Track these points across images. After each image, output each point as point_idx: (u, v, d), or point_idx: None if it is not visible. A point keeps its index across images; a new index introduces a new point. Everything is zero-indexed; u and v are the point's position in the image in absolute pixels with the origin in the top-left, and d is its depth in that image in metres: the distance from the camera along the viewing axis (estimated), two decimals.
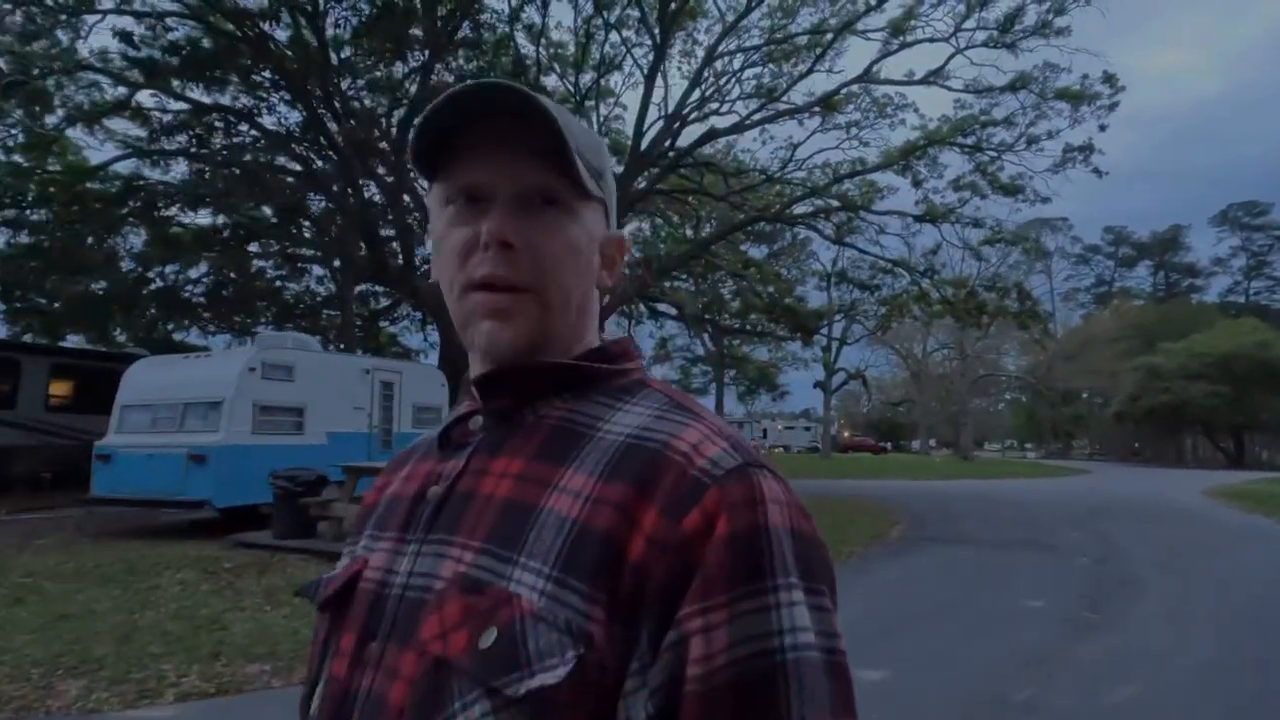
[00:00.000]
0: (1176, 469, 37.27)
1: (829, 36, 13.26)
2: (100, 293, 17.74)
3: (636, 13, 14.22)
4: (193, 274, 20.22)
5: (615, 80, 17.13)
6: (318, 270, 21.73)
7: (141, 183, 15.47)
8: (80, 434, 11.62)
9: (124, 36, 12.76)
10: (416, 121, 0.53)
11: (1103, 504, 14.57)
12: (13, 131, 14.15)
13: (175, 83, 14.65)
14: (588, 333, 0.60)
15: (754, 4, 14.17)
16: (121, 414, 8.34)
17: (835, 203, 15.71)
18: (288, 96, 15.14)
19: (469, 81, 0.53)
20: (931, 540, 9.20)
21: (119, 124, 15.63)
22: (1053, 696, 3.74)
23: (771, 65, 15.53)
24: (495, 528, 0.49)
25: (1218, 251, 65.84)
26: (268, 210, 18.14)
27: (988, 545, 8.89)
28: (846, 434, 60.06)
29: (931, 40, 12.82)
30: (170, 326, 20.07)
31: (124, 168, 15.70)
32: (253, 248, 19.55)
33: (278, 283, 21.19)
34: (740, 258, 17.21)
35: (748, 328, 18.02)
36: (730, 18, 14.56)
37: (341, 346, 17.98)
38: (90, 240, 15.85)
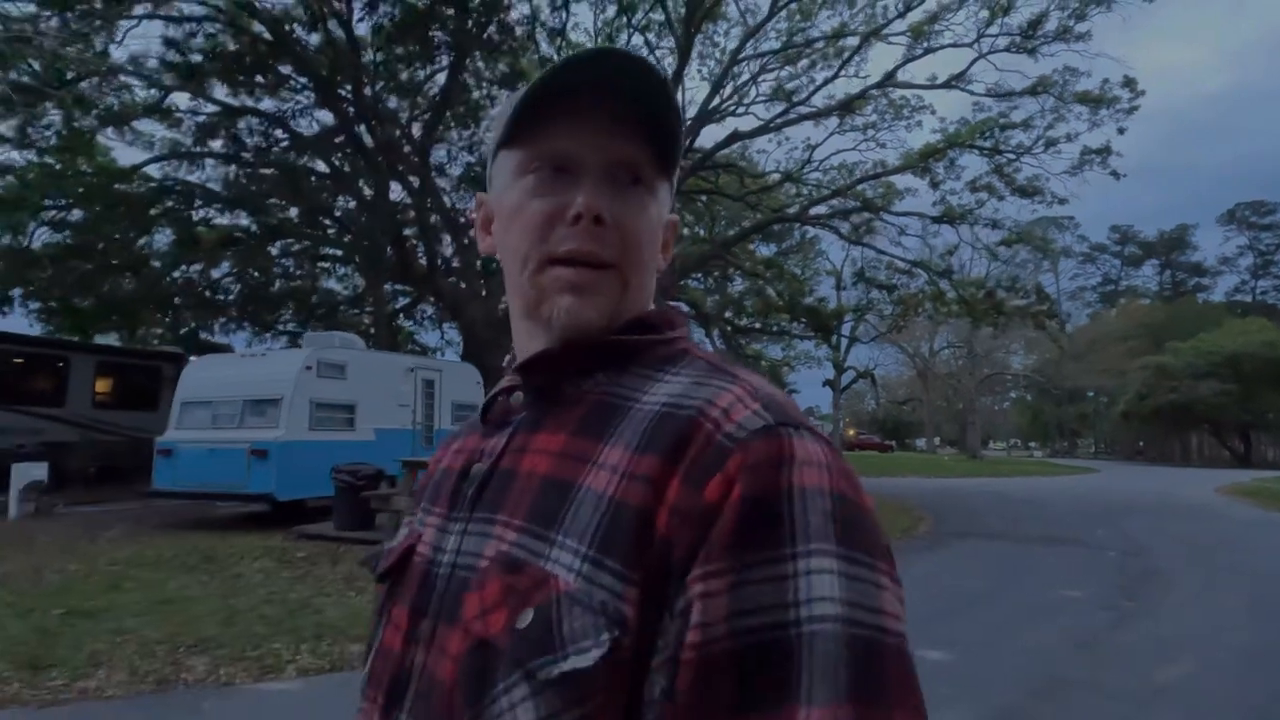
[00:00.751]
0: (1183, 468, 37.47)
1: (854, 41, 13.50)
2: (129, 292, 18.10)
3: (660, 16, 14.47)
4: (214, 274, 20.59)
5: None
6: (336, 269, 22.08)
7: (174, 184, 15.78)
8: (123, 430, 11.96)
9: (168, 42, 13.05)
10: (533, 84, 0.52)
11: (1118, 501, 14.82)
12: (46, 133, 14.49)
13: (210, 86, 14.96)
14: (642, 306, 0.58)
15: (778, 7, 14.42)
16: (181, 410, 8.64)
17: (855, 203, 15.95)
18: (317, 99, 15.45)
19: (588, 47, 0.57)
20: (960, 535, 9.48)
21: (146, 125, 15.99)
22: (1108, 676, 4.02)
23: (791, 68, 15.79)
24: (535, 506, 0.49)
25: (1224, 250, 65.89)
26: (293, 211, 18.46)
27: (1015, 539, 9.16)
28: (851, 432, 60.37)
29: (955, 45, 13.06)
30: (196, 325, 20.39)
31: (154, 169, 16.06)
32: (272, 249, 19.86)
33: (298, 282, 21.51)
34: (759, 259, 17.49)
35: (770, 327, 18.26)
36: (752, 21, 14.81)
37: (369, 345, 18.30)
38: (122, 239, 16.19)
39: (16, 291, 16.26)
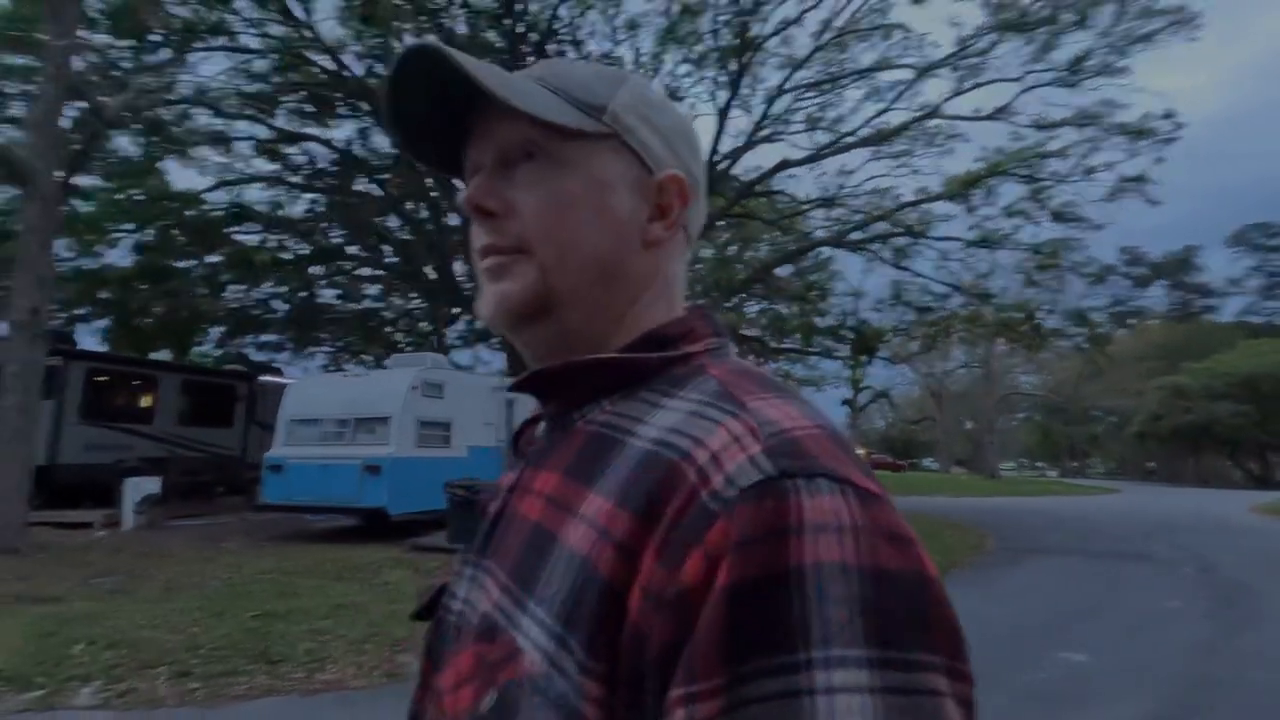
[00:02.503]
0: (1199, 489, 37.65)
1: (907, 74, 14.08)
2: (185, 311, 18.63)
3: (711, 42, 15.04)
4: (257, 295, 21.15)
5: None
6: (375, 289, 22.60)
7: (240, 209, 16.36)
8: (204, 446, 12.36)
9: (246, 73, 13.67)
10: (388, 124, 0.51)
11: (1160, 519, 15.11)
12: (112, 160, 15.08)
13: (273, 114, 15.58)
14: (643, 302, 0.51)
15: (820, 44, 15.04)
16: (288, 428, 9.04)
17: (895, 228, 16.44)
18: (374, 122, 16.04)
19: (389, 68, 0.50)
20: (1030, 551, 9.79)
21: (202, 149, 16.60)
22: (1254, 675, 4.36)
23: (836, 95, 16.40)
24: (519, 560, 0.44)
25: (1232, 272, 66.42)
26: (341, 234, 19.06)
27: (1086, 555, 9.48)
28: (862, 452, 60.54)
29: (1002, 80, 13.62)
30: (247, 342, 20.90)
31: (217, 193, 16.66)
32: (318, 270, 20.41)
33: (344, 303, 22.05)
34: (805, 282, 17.98)
35: (811, 348, 18.70)
36: (799, 55, 15.42)
37: None
38: (188, 263, 16.76)
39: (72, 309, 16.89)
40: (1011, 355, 41.25)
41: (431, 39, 0.51)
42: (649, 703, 0.34)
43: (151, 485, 9.07)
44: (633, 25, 15.89)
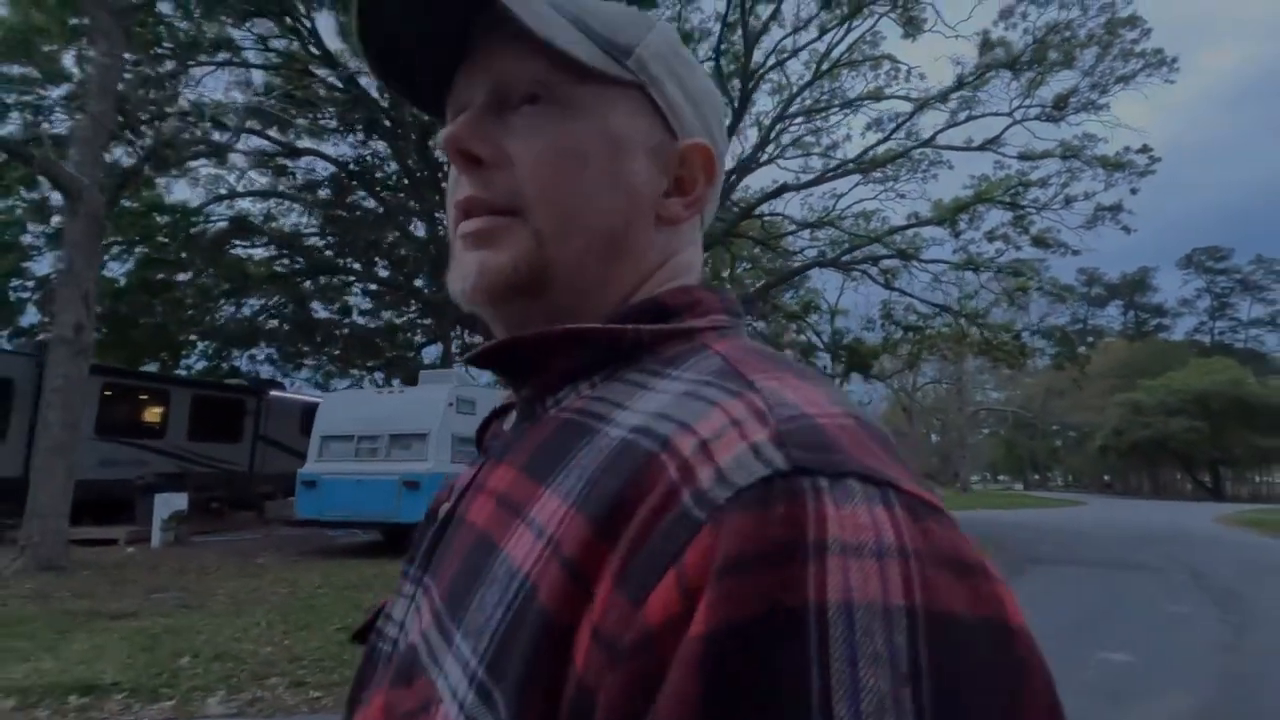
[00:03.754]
0: (1156, 501, 39.39)
1: (905, 106, 14.80)
2: (177, 324, 18.39)
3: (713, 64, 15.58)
4: (247, 309, 20.98)
5: None
6: (356, 302, 22.54)
7: (242, 221, 16.29)
8: (215, 461, 12.26)
9: (238, 85, 13.79)
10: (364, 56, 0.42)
11: (1139, 531, 15.91)
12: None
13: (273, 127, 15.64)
14: (650, 286, 0.42)
15: (821, 72, 15.71)
16: (322, 444, 9.11)
17: (886, 250, 17.13)
18: (371, 136, 16.18)
19: None
20: (1030, 561, 10.33)
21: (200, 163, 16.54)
22: (1272, 670, 4.84)
23: (834, 120, 17.13)
24: (454, 577, 0.35)
25: (1184, 293, 69.76)
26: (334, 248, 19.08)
27: (1083, 565, 10.04)
28: None
29: (995, 115, 14.44)
30: (234, 355, 20.64)
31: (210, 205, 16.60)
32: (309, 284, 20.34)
33: (340, 317, 21.92)
34: (802, 300, 18.58)
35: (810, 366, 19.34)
36: (796, 85, 16.08)
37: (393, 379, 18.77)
38: (185, 275, 16.58)
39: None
40: (981, 372, 42.67)
41: None
42: None
43: (179, 501, 9.03)
44: None
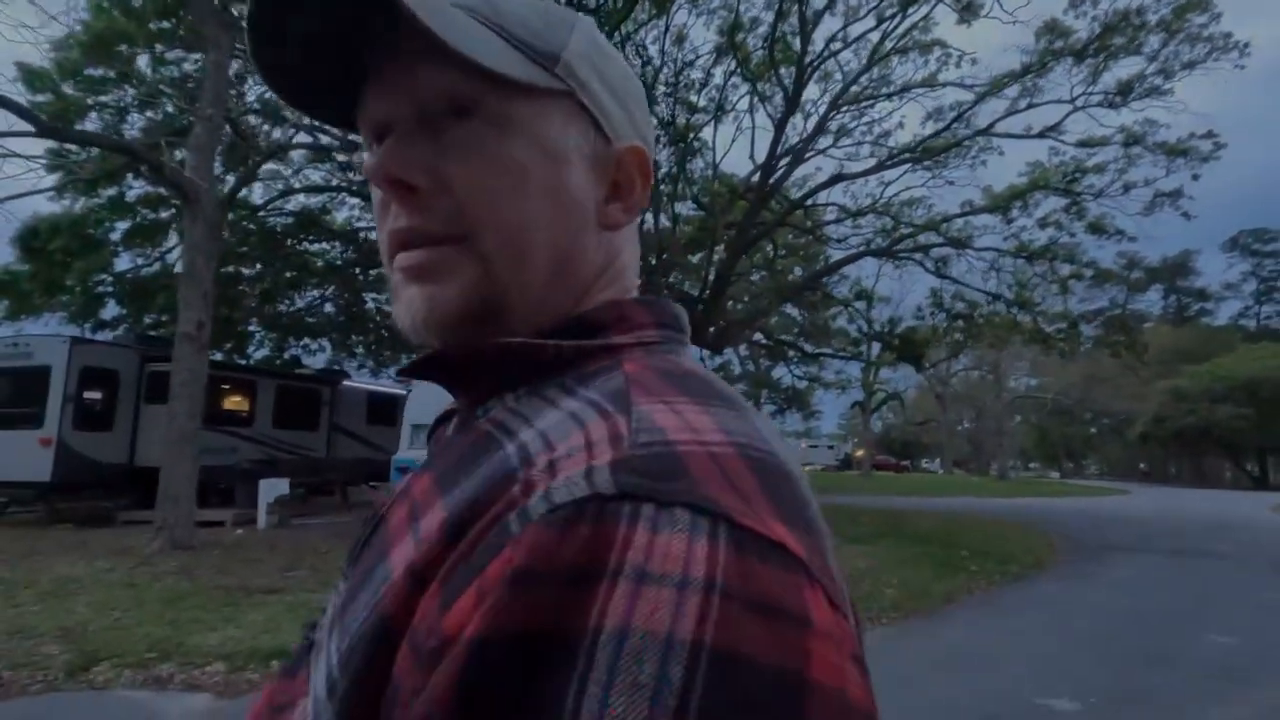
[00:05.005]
0: (1200, 489, 38.77)
1: (963, 95, 14.75)
2: (233, 315, 19.08)
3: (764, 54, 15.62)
4: (306, 299, 21.62)
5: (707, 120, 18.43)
6: None
7: (308, 216, 16.81)
8: (296, 448, 12.81)
9: None
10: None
11: (1201, 520, 15.85)
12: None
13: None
14: (591, 294, 0.42)
15: (876, 59, 15.68)
16: (412, 431, 9.55)
17: (940, 238, 17.10)
18: None
19: None
20: (1104, 549, 10.44)
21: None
22: None
23: (871, 108, 17.09)
24: (356, 580, 0.35)
25: (1228, 276, 67.94)
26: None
27: (1159, 553, 10.13)
28: (859, 453, 61.69)
29: (1057, 102, 14.33)
30: (295, 345, 21.34)
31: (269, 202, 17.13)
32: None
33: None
34: (855, 289, 18.67)
35: (859, 354, 19.42)
36: (848, 74, 16.07)
37: None
38: (251, 269, 17.21)
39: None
40: (1019, 359, 42.17)
41: None
42: None
43: (282, 486, 9.53)
44: (680, 39, 16.51)
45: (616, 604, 0.22)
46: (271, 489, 9.40)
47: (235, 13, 8.08)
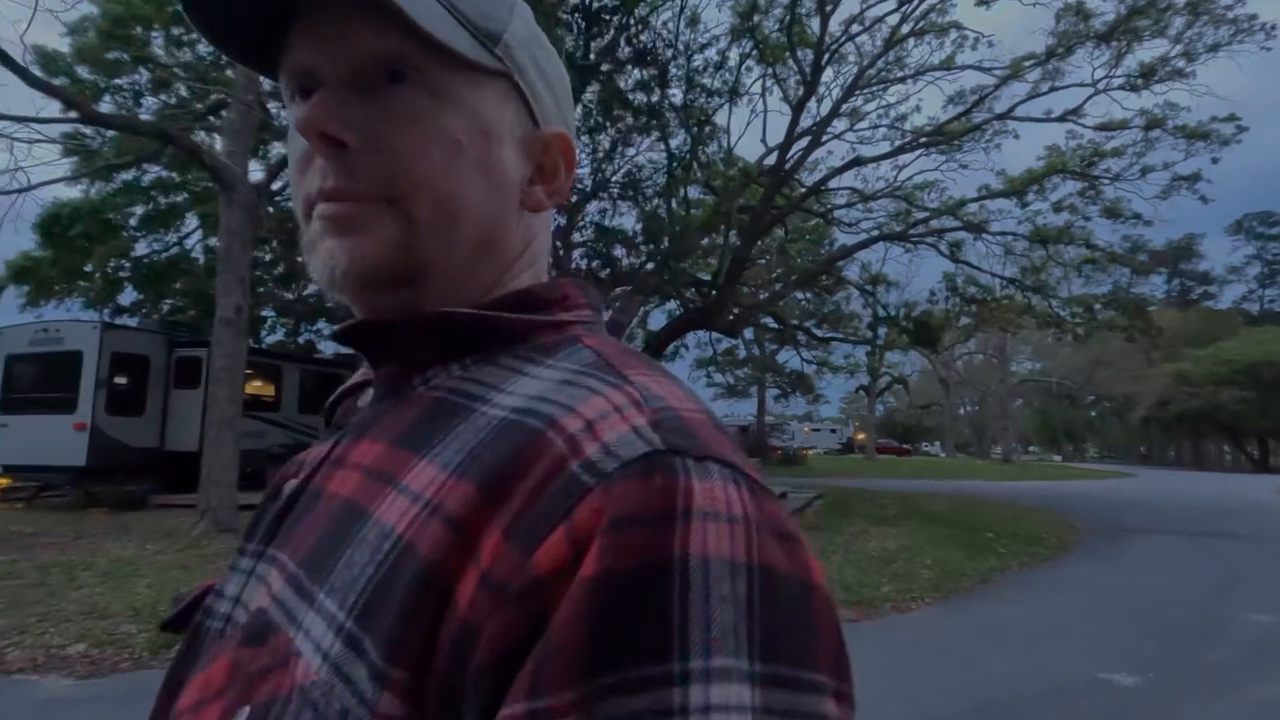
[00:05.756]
0: (1202, 472, 39.04)
1: (981, 78, 14.68)
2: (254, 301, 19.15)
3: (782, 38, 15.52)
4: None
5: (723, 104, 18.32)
6: None
7: None
8: (319, 432, 12.92)
9: None
10: None
11: (1210, 502, 16.02)
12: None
13: None
14: (513, 272, 0.44)
15: (893, 42, 15.59)
16: None
17: (955, 222, 17.10)
18: None
19: None
20: (1125, 531, 10.59)
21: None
22: None
23: (880, 92, 17.02)
24: (316, 543, 0.35)
25: (1232, 260, 67.81)
26: None
27: (1178, 535, 10.27)
28: (860, 436, 61.96)
29: (1079, 85, 14.27)
30: (309, 330, 21.42)
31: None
32: None
33: None
34: (869, 274, 18.69)
35: (875, 338, 19.48)
36: (865, 57, 15.98)
37: None
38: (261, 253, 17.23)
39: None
40: (1024, 343, 42.26)
41: None
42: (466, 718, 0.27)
43: None
44: (694, 20, 16.37)
45: (696, 537, 0.27)
46: None
47: None
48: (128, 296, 16.22)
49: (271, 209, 16.07)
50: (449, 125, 0.39)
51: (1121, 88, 14.07)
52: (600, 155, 16.52)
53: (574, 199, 18.32)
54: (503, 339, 0.40)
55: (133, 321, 13.91)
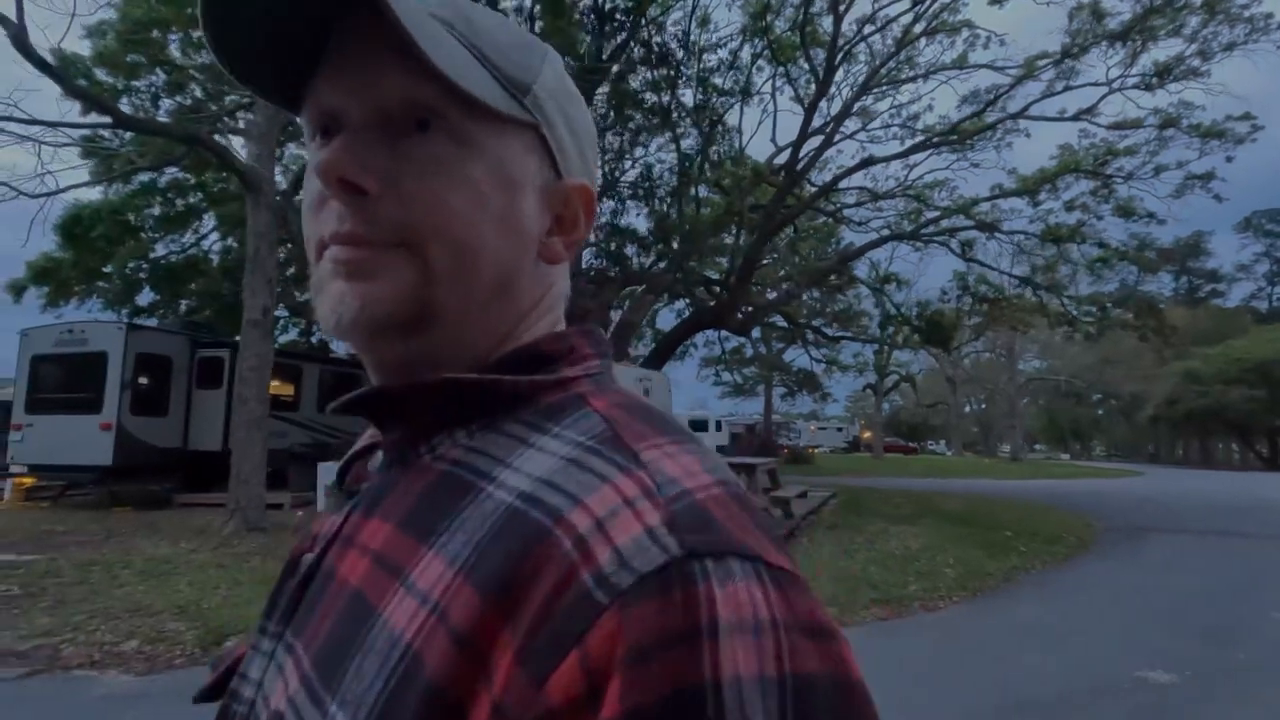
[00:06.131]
0: (1211, 471, 38.92)
1: (994, 77, 14.70)
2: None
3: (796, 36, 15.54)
4: None
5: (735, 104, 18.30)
6: None
7: None
8: (340, 432, 13.01)
9: None
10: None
11: (1225, 501, 16.02)
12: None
13: None
14: (528, 321, 0.43)
15: (906, 41, 15.60)
16: None
17: (967, 221, 17.11)
18: None
19: None
20: (1142, 530, 10.61)
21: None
22: None
23: (894, 90, 17.04)
24: (328, 639, 0.35)
25: (1240, 257, 67.47)
26: None
27: (1193, 534, 10.29)
28: (866, 435, 61.88)
29: (1094, 85, 14.27)
30: (317, 330, 21.57)
31: None
32: None
33: None
34: (881, 274, 18.71)
35: (886, 338, 19.52)
36: (876, 61, 15.99)
37: None
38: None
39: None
40: (1032, 342, 42.18)
41: None
42: None
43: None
44: (705, 20, 16.41)
45: (725, 657, 0.26)
46: (329, 471, 9.60)
47: None
48: (144, 297, 16.39)
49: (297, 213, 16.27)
50: (472, 174, 0.38)
51: (1136, 87, 14.08)
52: (611, 156, 16.60)
53: None
54: (506, 402, 0.39)
55: (151, 322, 14.02)
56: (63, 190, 8.49)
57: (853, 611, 5.31)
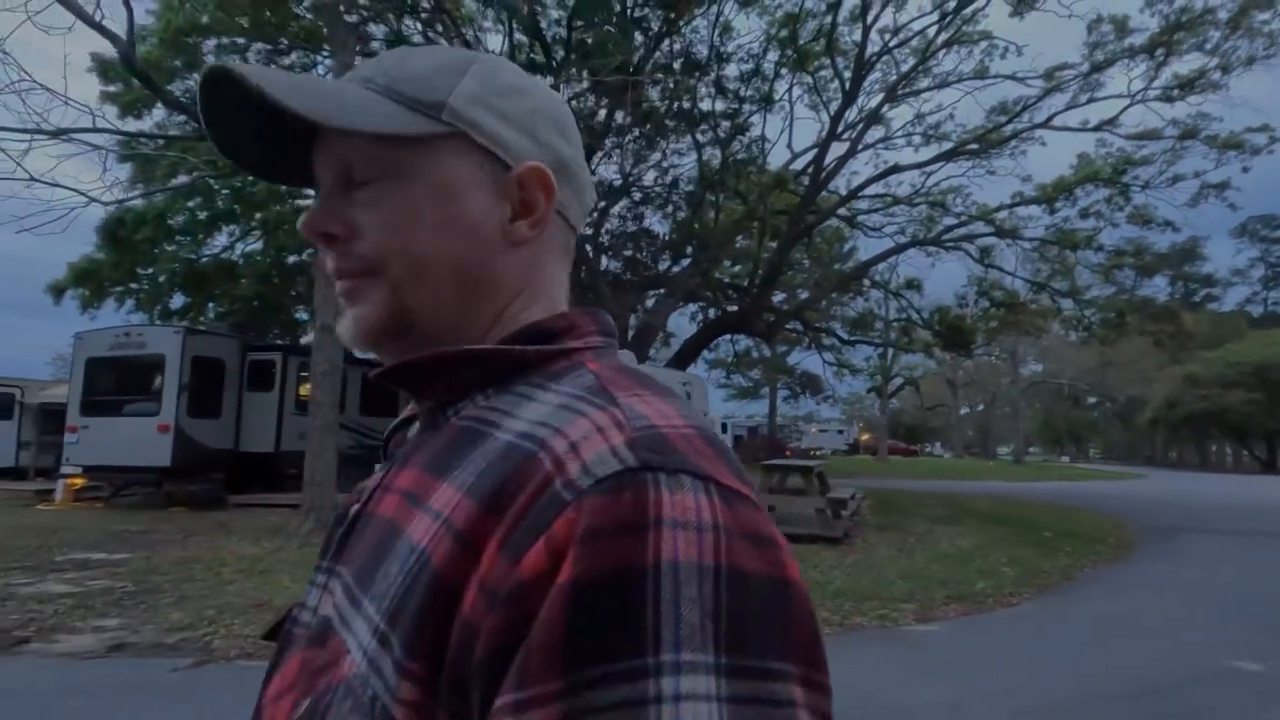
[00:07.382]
0: (1210, 473, 39.43)
1: (1015, 86, 15.02)
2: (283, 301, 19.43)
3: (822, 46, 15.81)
4: None
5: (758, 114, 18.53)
6: None
7: None
8: (378, 434, 13.22)
9: None
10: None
11: (1239, 503, 16.38)
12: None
13: None
14: (514, 308, 0.48)
15: (929, 53, 15.91)
16: None
17: (987, 228, 17.43)
18: None
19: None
20: (1176, 530, 10.91)
21: None
22: None
23: (915, 99, 17.35)
24: (365, 558, 0.42)
25: (1236, 262, 68.13)
26: None
27: (1227, 534, 10.62)
28: (866, 437, 62.18)
29: (1118, 97, 14.62)
30: None
31: None
32: None
33: None
34: (903, 280, 19.05)
35: (909, 343, 19.84)
36: (901, 69, 16.29)
37: None
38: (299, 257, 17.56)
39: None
40: (1031, 344, 42.59)
41: (227, 63, 0.44)
42: (473, 712, 0.32)
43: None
44: (727, 28, 16.64)
45: (665, 545, 0.31)
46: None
47: (369, 28, 8.30)
48: (176, 300, 16.54)
49: None
50: (409, 197, 0.45)
51: (1158, 99, 14.43)
52: (630, 162, 16.87)
53: (601, 203, 18.61)
54: (517, 369, 0.45)
55: (183, 325, 14.14)
56: (130, 198, 8.65)
57: (931, 608, 5.55)
